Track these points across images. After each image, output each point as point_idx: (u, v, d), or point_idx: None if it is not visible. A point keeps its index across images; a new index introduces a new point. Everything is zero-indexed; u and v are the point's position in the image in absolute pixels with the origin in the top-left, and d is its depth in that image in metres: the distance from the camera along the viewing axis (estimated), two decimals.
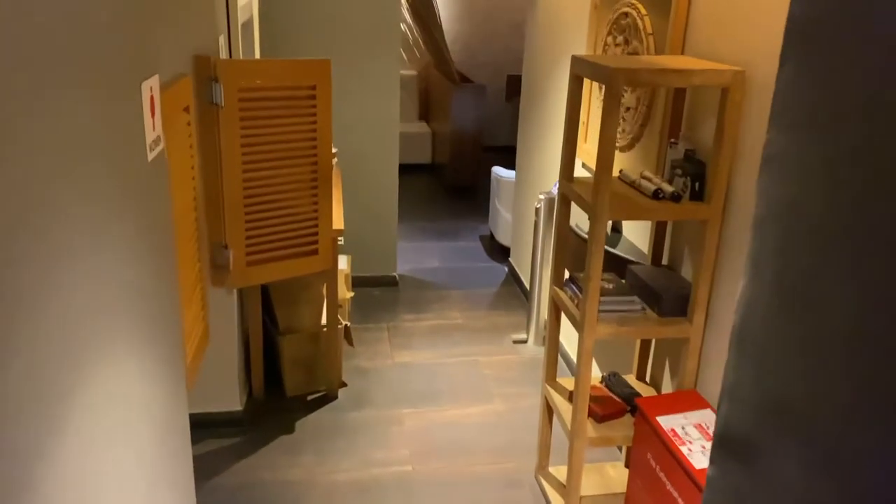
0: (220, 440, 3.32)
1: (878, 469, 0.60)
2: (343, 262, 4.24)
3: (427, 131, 7.96)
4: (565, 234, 2.83)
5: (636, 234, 3.17)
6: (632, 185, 2.61)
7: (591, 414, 2.71)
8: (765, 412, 0.78)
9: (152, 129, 1.81)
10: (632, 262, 2.91)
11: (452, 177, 7.20)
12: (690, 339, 2.57)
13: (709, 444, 2.29)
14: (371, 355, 4.10)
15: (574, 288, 2.69)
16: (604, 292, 2.55)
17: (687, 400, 2.55)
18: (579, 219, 3.19)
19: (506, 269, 5.37)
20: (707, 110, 2.55)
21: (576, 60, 2.55)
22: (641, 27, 2.95)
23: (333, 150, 4.25)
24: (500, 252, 5.63)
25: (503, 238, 5.56)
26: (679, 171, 2.53)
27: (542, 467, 3.09)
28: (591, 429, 2.67)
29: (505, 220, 5.49)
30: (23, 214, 1.07)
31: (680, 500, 2.26)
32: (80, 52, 1.31)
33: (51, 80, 1.17)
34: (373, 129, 4.65)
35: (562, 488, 2.94)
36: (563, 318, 2.90)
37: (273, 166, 3.07)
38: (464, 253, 5.68)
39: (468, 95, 7.02)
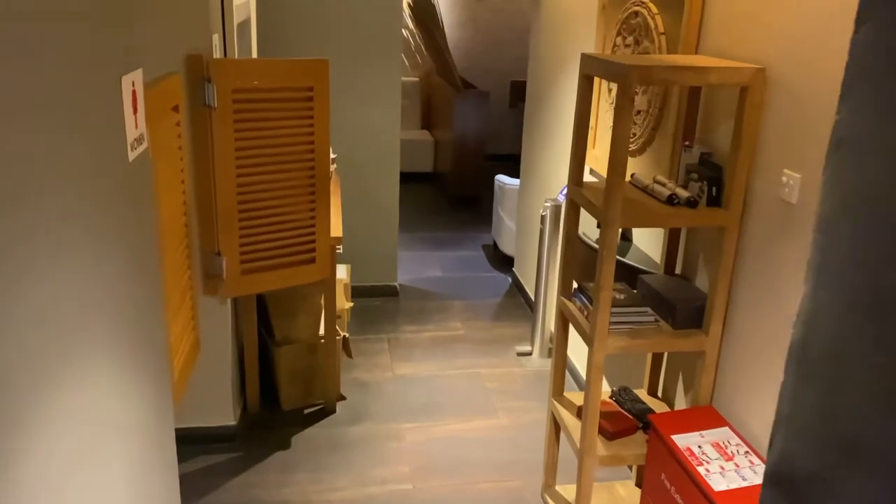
0: (212, 456, 3.18)
1: None
2: (342, 272, 4.12)
3: (429, 139, 7.85)
4: (574, 241, 2.70)
5: (647, 242, 3.04)
6: (644, 189, 2.49)
7: (600, 431, 2.57)
8: (832, 448, 0.65)
9: (134, 126, 1.69)
10: (643, 272, 2.78)
11: (455, 186, 7.08)
12: (706, 352, 2.43)
13: (728, 465, 2.16)
14: (370, 367, 3.97)
15: (583, 298, 2.56)
16: (614, 303, 2.42)
17: (703, 417, 2.42)
18: (586, 227, 3.06)
19: (509, 279, 5.24)
20: (724, 112, 2.43)
21: (585, 59, 2.43)
22: (653, 26, 2.84)
23: (332, 156, 4.14)
24: (503, 262, 5.50)
25: (507, 247, 5.43)
26: (694, 176, 2.41)
27: (548, 486, 2.95)
28: (601, 447, 2.54)
29: (508, 229, 5.36)
30: None
31: None
32: (49, 39, 1.18)
33: (12, 67, 1.05)
34: (373, 136, 4.54)
35: None
36: (571, 330, 2.77)
37: (268, 170, 2.95)
38: (466, 263, 5.55)
39: (471, 102, 6.91)
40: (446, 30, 7.83)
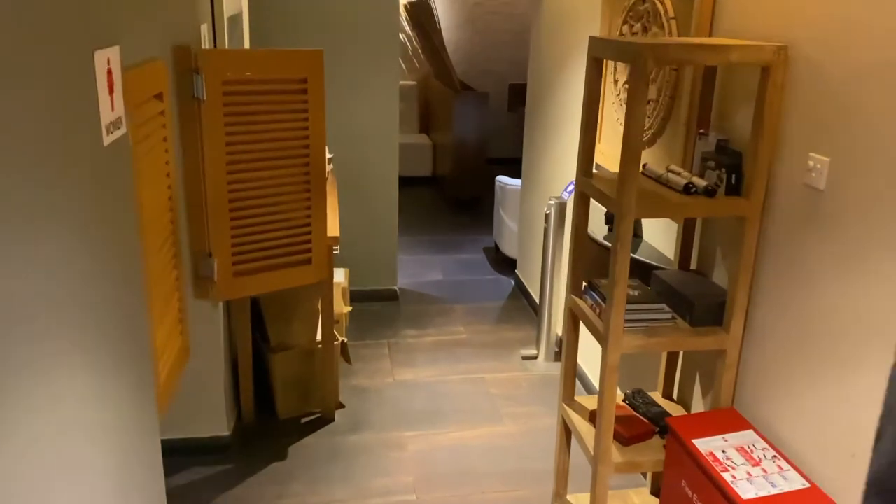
0: (205, 468, 3.03)
1: None
2: (340, 275, 3.99)
3: (427, 143, 7.73)
4: (583, 236, 2.57)
5: (659, 238, 2.90)
6: (658, 180, 2.35)
7: (615, 436, 2.42)
8: None
9: (110, 108, 1.55)
10: (656, 268, 2.64)
11: (455, 189, 6.95)
12: (727, 350, 2.29)
13: (755, 471, 2.01)
14: (370, 374, 3.82)
15: (595, 296, 2.41)
16: (629, 300, 2.27)
17: (725, 419, 2.27)
18: (592, 224, 2.92)
19: (512, 281, 5.10)
20: (742, 95, 2.29)
21: (595, 42, 2.30)
22: (662, 11, 2.71)
23: (329, 156, 4.01)
24: (505, 264, 5.36)
25: (509, 249, 5.30)
26: (711, 164, 2.27)
27: (559, 495, 2.79)
28: (616, 453, 2.39)
29: (510, 231, 5.23)
30: None
31: None
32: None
33: None
34: (372, 138, 4.42)
35: None
36: (580, 331, 2.63)
37: (261, 167, 2.81)
38: (467, 265, 5.41)
39: (470, 104, 6.79)
40: (444, 32, 7.72)
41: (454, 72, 7.19)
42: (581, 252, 2.56)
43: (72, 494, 1.28)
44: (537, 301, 4.43)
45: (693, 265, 2.60)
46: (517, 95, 8.37)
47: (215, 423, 3.12)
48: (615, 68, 3.25)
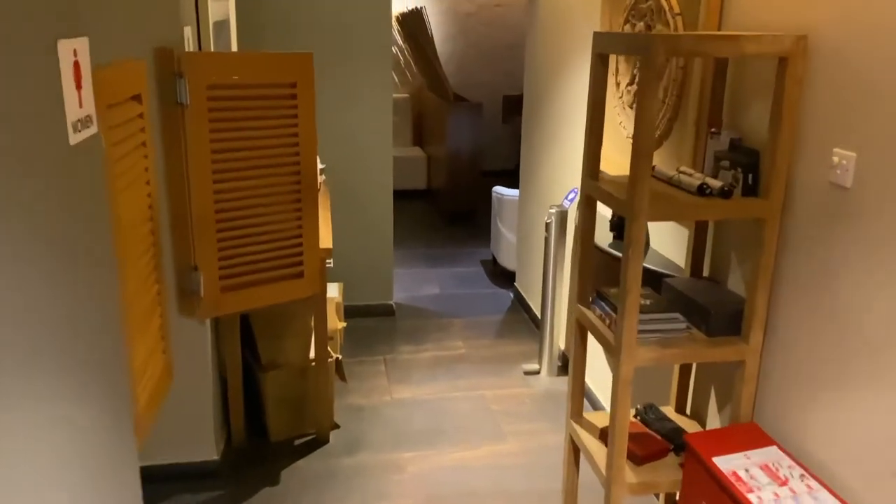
0: (193, 495, 2.86)
1: None
2: (334, 290, 3.84)
3: (422, 156, 7.62)
4: (590, 242, 2.43)
5: (667, 245, 2.77)
6: (669, 181, 2.22)
7: (628, 455, 2.28)
8: None
9: (78, 105, 1.41)
10: (665, 276, 2.50)
11: (450, 202, 6.83)
12: (747, 361, 2.15)
13: (783, 491, 1.87)
14: (366, 392, 3.67)
15: (605, 305, 2.28)
16: (641, 309, 2.14)
17: (746, 435, 2.13)
18: (597, 233, 2.78)
19: (511, 294, 4.96)
20: (756, 90, 2.17)
21: (599, 37, 2.18)
22: (667, 7, 2.59)
23: (321, 166, 3.88)
24: (504, 277, 5.22)
25: (507, 262, 5.16)
26: (726, 164, 2.14)
27: None
28: (629, 473, 2.24)
29: (508, 242, 5.09)
30: None
31: None
32: None
33: None
34: (365, 151, 4.31)
35: None
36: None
37: (249, 175, 2.68)
38: (465, 279, 5.27)
39: (464, 115, 6.68)
40: (437, 45, 7.63)
41: (447, 82, 7.09)
42: (588, 259, 2.43)
43: None
44: (538, 314, 4.29)
45: (706, 272, 2.47)
46: (512, 107, 8.27)
47: (203, 447, 2.95)
48: (616, 70, 3.14)
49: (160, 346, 2.14)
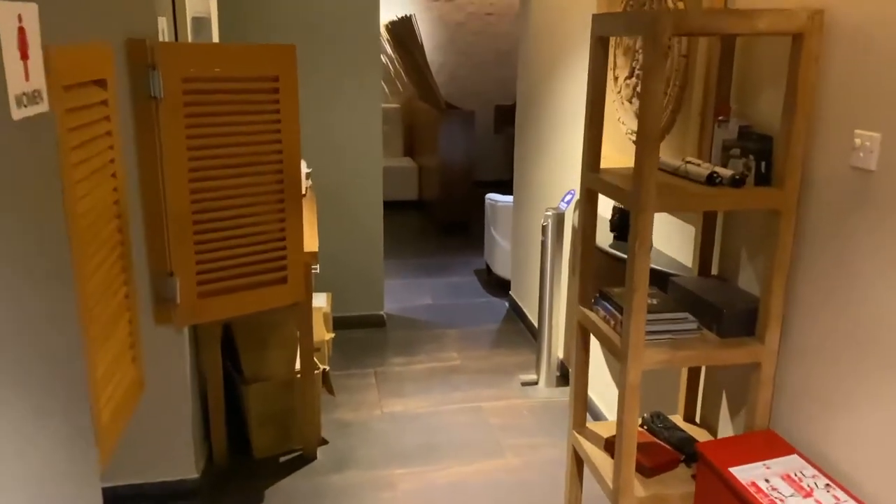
0: None
1: None
2: (321, 300, 3.68)
3: (413, 166, 7.49)
4: (591, 239, 2.29)
5: (672, 244, 2.63)
6: (675, 172, 2.08)
7: (636, 467, 2.12)
8: None
9: (23, 77, 1.26)
10: (671, 276, 2.36)
11: (442, 212, 6.68)
12: (762, 364, 2.00)
13: (808, 502, 1.71)
14: (355, 406, 3.49)
15: (609, 306, 2.13)
16: (648, 309, 1.99)
17: (764, 443, 1.97)
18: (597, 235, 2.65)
19: (506, 303, 4.80)
20: (767, 73, 2.04)
21: (599, 19, 2.04)
22: None
23: (307, 170, 3.73)
24: (498, 286, 5.07)
25: (501, 270, 5.01)
26: (736, 152, 2.00)
27: None
28: (638, 486, 2.08)
29: (503, 250, 4.95)
30: None
31: None
32: None
33: None
34: (354, 158, 4.17)
35: None
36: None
37: (229, 174, 2.52)
38: (458, 289, 5.12)
39: (456, 123, 6.55)
40: (427, 53, 7.52)
41: (438, 89, 6.98)
42: (589, 258, 2.28)
43: None
44: (534, 323, 4.14)
45: (715, 270, 2.33)
46: (503, 117, 8.17)
47: (182, 464, 2.78)
48: (615, 64, 3.01)
49: (129, 355, 1.98)
